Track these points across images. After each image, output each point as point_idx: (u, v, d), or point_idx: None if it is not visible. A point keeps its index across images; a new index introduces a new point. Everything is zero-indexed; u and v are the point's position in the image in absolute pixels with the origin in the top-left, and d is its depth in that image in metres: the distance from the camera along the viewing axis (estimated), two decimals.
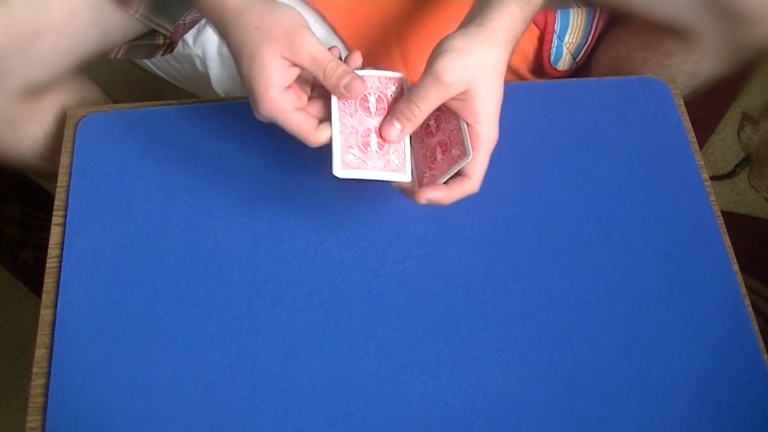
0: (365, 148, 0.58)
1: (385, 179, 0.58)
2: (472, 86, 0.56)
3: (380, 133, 0.59)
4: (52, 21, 0.69)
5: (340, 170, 0.57)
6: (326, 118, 0.59)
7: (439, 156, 0.59)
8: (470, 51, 0.56)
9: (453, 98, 0.57)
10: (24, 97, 0.71)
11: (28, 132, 0.75)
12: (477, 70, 0.56)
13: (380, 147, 0.59)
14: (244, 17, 0.57)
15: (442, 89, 0.56)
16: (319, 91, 0.60)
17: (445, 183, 0.58)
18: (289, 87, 0.57)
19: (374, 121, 0.59)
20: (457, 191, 0.58)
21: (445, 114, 0.60)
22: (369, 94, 0.60)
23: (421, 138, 0.61)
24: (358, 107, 0.59)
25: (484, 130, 0.57)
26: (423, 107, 0.57)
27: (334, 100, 0.59)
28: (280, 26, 0.56)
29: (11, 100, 0.71)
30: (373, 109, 0.60)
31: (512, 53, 0.60)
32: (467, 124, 0.57)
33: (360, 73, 0.59)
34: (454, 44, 0.56)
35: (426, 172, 0.60)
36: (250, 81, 0.57)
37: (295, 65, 0.57)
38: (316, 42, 0.56)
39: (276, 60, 0.56)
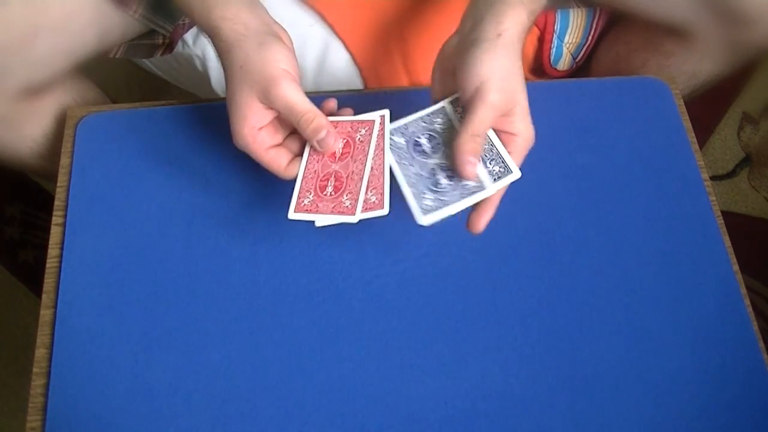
0: (321, 192, 0.59)
1: (333, 222, 0.58)
2: (513, 103, 0.57)
3: (456, 171, 0.57)
4: (50, 21, 0.69)
5: (292, 213, 0.58)
6: (301, 153, 0.60)
7: (444, 181, 0.59)
8: (503, 78, 0.56)
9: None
10: (23, 96, 0.71)
11: (27, 132, 0.75)
12: (510, 97, 0.57)
13: (335, 191, 0.59)
14: (233, 53, 0.58)
15: (496, 115, 0.56)
16: None
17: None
18: (262, 127, 0.58)
19: (336, 166, 0.60)
20: (497, 198, 0.58)
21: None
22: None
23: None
24: (324, 154, 0.60)
25: (524, 138, 0.58)
26: (483, 137, 0.57)
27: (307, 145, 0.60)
28: (261, 72, 0.57)
29: (10, 99, 0.71)
30: (338, 155, 0.60)
31: None
32: (506, 132, 0.58)
33: (332, 119, 0.60)
34: (488, 71, 0.56)
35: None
36: (229, 113, 0.59)
37: (271, 109, 0.58)
38: (294, 91, 0.57)
39: (253, 103, 0.57)
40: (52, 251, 0.66)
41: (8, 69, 0.69)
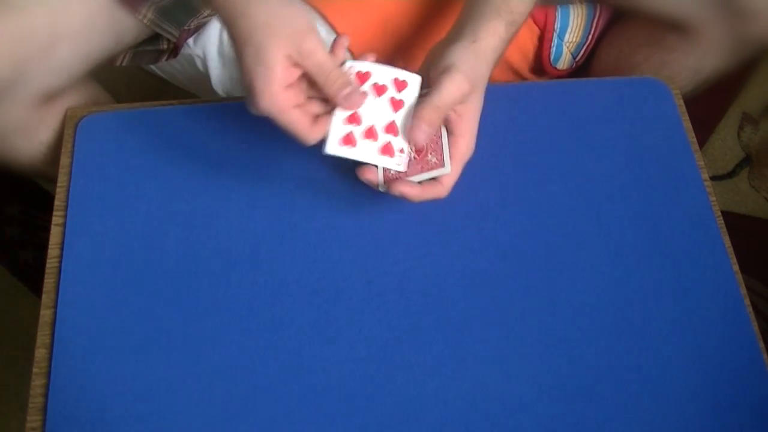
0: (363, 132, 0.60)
1: (377, 163, 0.60)
2: (470, 102, 0.60)
3: (407, 134, 0.60)
4: (71, 27, 0.69)
5: (332, 147, 0.59)
6: (322, 114, 0.60)
7: (413, 156, 0.61)
8: (471, 68, 0.59)
9: (454, 110, 0.60)
10: (39, 103, 0.71)
11: (41, 138, 0.75)
12: (474, 85, 0.59)
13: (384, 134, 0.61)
14: (254, 10, 0.56)
15: (460, 97, 0.59)
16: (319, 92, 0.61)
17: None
18: (290, 85, 0.57)
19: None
20: (428, 193, 0.61)
21: None
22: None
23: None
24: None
25: (465, 143, 0.61)
26: (445, 111, 0.59)
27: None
28: (290, 25, 0.56)
29: (27, 106, 0.70)
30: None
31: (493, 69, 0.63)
32: (452, 134, 0.61)
33: (369, 66, 0.61)
34: (458, 59, 0.59)
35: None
36: (251, 75, 0.56)
37: (297, 66, 0.57)
38: (323, 47, 0.57)
39: (281, 58, 0.56)
40: (52, 251, 0.66)
41: (29, 77, 0.68)
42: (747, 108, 1.30)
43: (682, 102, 0.75)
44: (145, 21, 0.73)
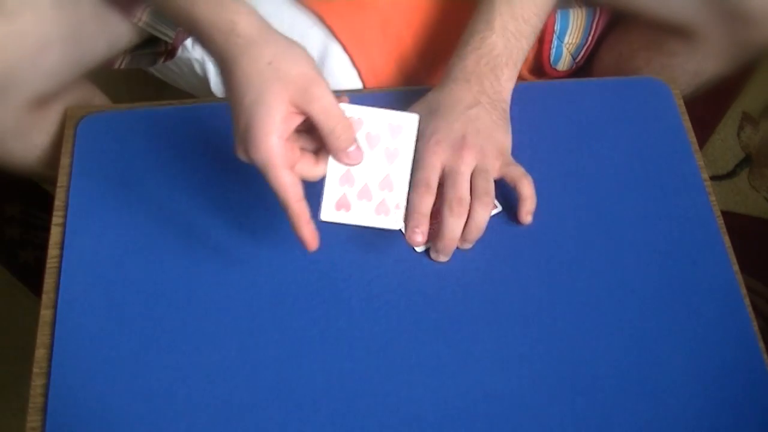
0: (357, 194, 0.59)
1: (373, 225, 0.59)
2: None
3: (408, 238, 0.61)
4: (61, 32, 0.68)
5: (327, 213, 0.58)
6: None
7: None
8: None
9: None
10: (31, 107, 0.71)
11: (35, 141, 0.75)
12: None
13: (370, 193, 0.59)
14: (257, 49, 0.53)
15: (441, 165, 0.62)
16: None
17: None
18: (287, 139, 0.53)
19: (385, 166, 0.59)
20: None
21: None
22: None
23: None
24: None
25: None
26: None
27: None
28: (297, 67, 0.52)
29: (19, 111, 0.70)
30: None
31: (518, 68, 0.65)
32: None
33: (364, 110, 0.58)
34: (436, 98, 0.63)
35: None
36: (249, 119, 0.52)
37: (301, 114, 0.53)
38: (331, 95, 0.53)
39: (284, 105, 0.52)
40: (52, 251, 0.66)
41: (20, 81, 0.68)
42: (747, 108, 1.30)
43: (682, 102, 0.75)
44: (140, 24, 0.73)
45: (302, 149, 0.57)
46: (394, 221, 0.58)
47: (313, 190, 0.57)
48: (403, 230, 0.60)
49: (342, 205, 0.58)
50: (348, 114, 0.56)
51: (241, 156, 0.54)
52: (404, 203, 0.58)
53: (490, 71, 0.66)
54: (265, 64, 0.52)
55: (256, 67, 0.52)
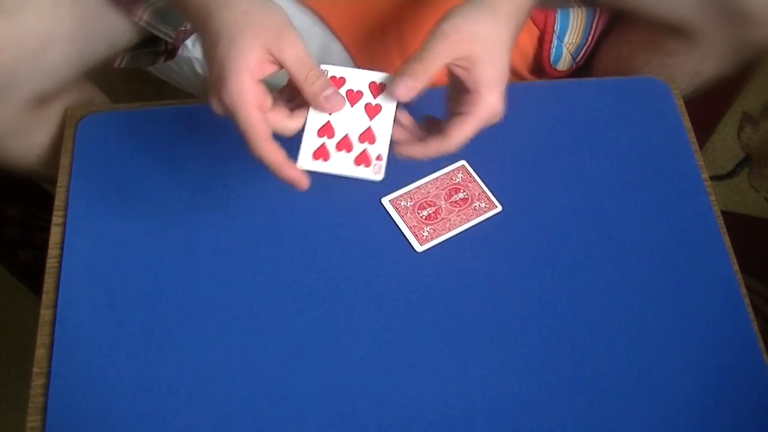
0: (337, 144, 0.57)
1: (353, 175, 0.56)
2: (475, 53, 0.55)
3: (387, 90, 0.57)
4: (62, 31, 0.68)
5: (304, 162, 0.55)
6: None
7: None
8: (474, 19, 0.55)
9: (457, 65, 0.55)
10: (32, 106, 0.71)
11: (35, 140, 0.75)
12: (480, 37, 0.55)
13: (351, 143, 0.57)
14: (225, 9, 0.53)
15: (450, 47, 0.54)
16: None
17: (423, 140, 0.57)
18: (260, 82, 0.52)
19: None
20: (433, 148, 0.56)
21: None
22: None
23: None
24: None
25: (483, 99, 0.55)
26: (432, 64, 0.55)
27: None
28: (271, 17, 0.53)
29: (19, 109, 0.70)
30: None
31: (518, 30, 0.59)
32: (469, 92, 0.55)
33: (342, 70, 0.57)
34: (460, 11, 0.55)
35: None
36: (221, 64, 0.51)
37: (274, 62, 0.53)
38: (304, 46, 0.53)
39: (258, 49, 0.51)
40: (52, 251, 0.66)
41: (21, 80, 0.68)
42: (747, 108, 1.30)
43: (682, 102, 0.75)
44: (141, 23, 0.73)
45: (275, 102, 0.56)
46: (374, 172, 0.56)
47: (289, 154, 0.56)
48: (381, 180, 0.57)
49: (320, 154, 0.56)
50: (330, 73, 0.57)
51: (215, 106, 0.53)
52: (386, 154, 0.57)
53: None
54: (240, 13, 0.52)
55: (230, 16, 0.52)
